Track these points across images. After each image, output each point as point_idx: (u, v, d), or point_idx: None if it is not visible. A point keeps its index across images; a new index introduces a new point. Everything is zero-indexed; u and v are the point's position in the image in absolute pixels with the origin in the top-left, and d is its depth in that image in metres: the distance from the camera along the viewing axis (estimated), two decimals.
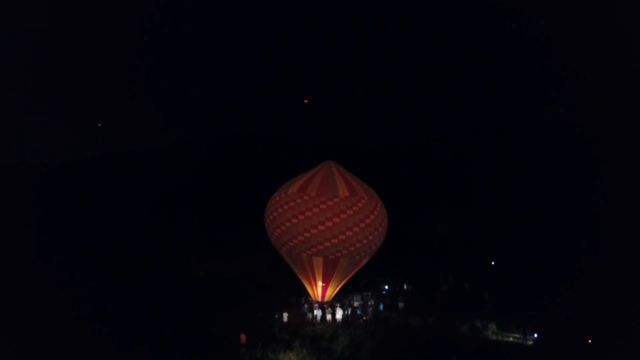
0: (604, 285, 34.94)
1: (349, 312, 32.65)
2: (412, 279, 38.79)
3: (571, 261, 41.22)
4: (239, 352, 26.05)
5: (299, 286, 34.12)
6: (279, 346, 26.74)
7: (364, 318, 31.49)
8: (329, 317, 31.77)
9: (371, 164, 54.54)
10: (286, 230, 31.67)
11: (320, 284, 32.97)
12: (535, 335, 29.67)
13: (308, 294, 33.99)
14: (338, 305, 32.73)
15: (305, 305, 32.95)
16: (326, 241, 30.90)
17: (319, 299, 33.41)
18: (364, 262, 33.15)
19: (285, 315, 31.12)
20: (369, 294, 35.93)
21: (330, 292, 33.62)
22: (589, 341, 28.35)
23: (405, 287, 38.13)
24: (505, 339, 30.41)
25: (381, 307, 34.02)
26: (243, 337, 26.88)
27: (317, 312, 32.05)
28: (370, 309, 32.95)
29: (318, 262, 31.77)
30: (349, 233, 30.94)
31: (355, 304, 34.45)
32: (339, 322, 31.39)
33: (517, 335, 30.43)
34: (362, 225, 31.25)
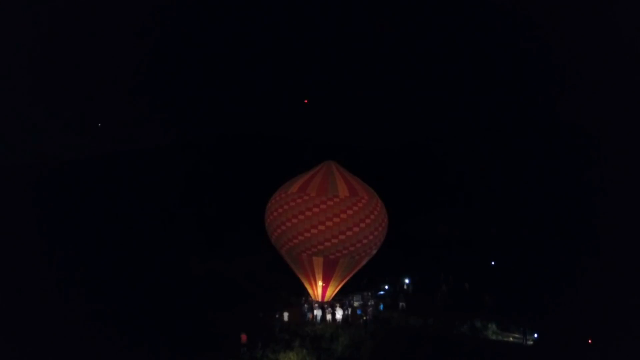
0: (604, 285, 34.93)
1: (349, 312, 32.66)
2: (412, 279, 38.82)
3: (571, 261, 41.22)
4: (239, 352, 26.06)
5: (299, 286, 34.12)
6: (279, 346, 26.76)
7: (364, 318, 31.50)
8: (329, 317, 31.78)
9: (371, 164, 54.48)
10: (286, 230, 31.67)
11: (320, 283, 32.98)
12: (535, 335, 29.67)
13: (308, 294, 33.99)
14: (338, 305, 32.73)
15: (305, 305, 32.95)
16: (326, 241, 30.90)
17: (319, 299, 33.41)
18: (364, 262, 33.14)
19: (285, 315, 31.15)
20: (369, 294, 35.93)
21: (330, 292, 33.63)
22: (589, 341, 28.36)
23: (405, 287, 38.16)
24: (505, 339, 30.41)
25: (381, 307, 34.02)
26: (244, 337, 26.89)
27: (317, 312, 32.06)
28: (370, 309, 32.95)
29: (318, 262, 31.78)
30: (349, 233, 30.94)
31: (355, 304, 34.44)
32: (339, 322, 31.40)
33: (517, 335, 30.42)
34: (362, 225, 31.25)
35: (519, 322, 31.12)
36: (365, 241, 31.53)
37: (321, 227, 30.76)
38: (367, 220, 31.53)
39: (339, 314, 31.77)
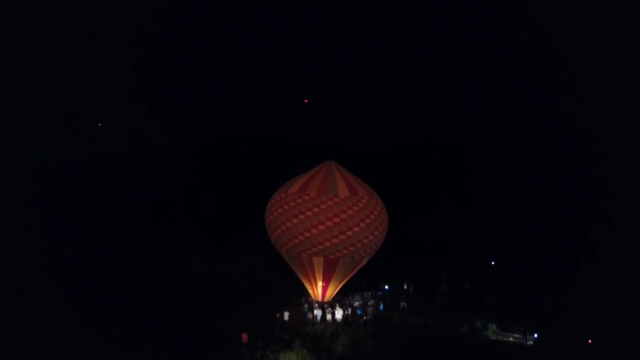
0: (604, 286, 34.94)
1: (349, 312, 32.67)
2: (412, 279, 38.81)
3: (571, 261, 41.24)
4: (240, 352, 26.06)
5: (299, 286, 34.14)
6: (279, 346, 26.75)
7: (364, 318, 31.51)
8: (329, 317, 31.79)
9: (371, 164, 54.50)
10: (286, 230, 31.68)
11: (320, 283, 32.98)
12: (535, 335, 29.69)
13: (308, 294, 34.00)
14: (338, 305, 32.75)
15: (306, 305, 32.96)
16: (326, 241, 30.91)
17: (319, 298, 33.42)
18: (364, 262, 33.16)
19: (286, 315, 31.16)
20: (369, 294, 35.95)
21: (331, 292, 33.64)
22: (589, 341, 28.37)
23: (406, 287, 38.16)
24: (505, 339, 30.42)
25: (381, 307, 34.03)
26: (245, 337, 26.89)
27: (317, 312, 32.07)
28: (370, 309, 32.96)
29: (318, 262, 31.79)
30: (349, 233, 30.95)
31: (356, 304, 34.46)
32: (339, 322, 31.40)
33: (517, 335, 30.44)
34: (362, 225, 31.26)
35: (519, 322, 31.13)
36: (365, 241, 31.54)
37: (321, 227, 30.78)
38: (367, 220, 31.54)
39: (339, 314, 31.77)
